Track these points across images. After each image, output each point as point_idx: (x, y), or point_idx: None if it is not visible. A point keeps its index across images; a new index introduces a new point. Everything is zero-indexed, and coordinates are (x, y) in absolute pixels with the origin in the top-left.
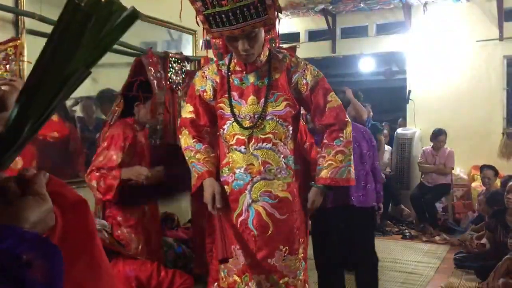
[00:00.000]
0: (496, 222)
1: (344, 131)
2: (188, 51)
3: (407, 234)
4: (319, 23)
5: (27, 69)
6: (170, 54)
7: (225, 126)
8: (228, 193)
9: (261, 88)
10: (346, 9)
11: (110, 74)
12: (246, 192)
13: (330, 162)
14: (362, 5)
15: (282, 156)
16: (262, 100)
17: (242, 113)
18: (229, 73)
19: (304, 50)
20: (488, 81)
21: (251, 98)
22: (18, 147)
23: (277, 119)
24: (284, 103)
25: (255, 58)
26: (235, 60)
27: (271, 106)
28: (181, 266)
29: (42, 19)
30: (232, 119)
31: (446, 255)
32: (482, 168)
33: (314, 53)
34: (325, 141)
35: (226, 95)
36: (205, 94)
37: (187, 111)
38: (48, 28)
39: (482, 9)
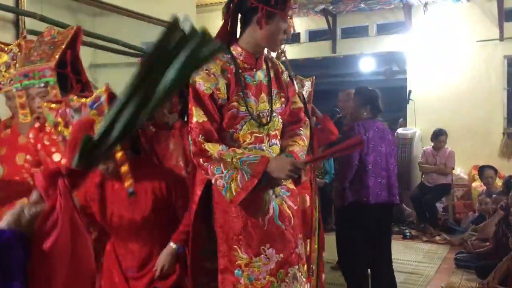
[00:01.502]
0: (497, 220)
1: (304, 127)
2: None
3: (408, 234)
4: (320, 23)
5: None
6: None
7: (238, 126)
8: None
9: (266, 86)
10: (347, 9)
11: (110, 74)
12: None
13: (295, 142)
14: (362, 5)
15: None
16: (269, 97)
17: (257, 111)
18: (240, 70)
19: (304, 50)
20: (489, 81)
21: (262, 95)
22: (105, 152)
23: (278, 116)
24: (281, 100)
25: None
26: (242, 58)
27: (274, 104)
28: None
29: (43, 19)
30: (249, 117)
31: (446, 255)
32: (483, 169)
33: (314, 53)
34: (289, 131)
35: (240, 93)
36: (218, 93)
37: (200, 114)
38: None
39: (483, 9)
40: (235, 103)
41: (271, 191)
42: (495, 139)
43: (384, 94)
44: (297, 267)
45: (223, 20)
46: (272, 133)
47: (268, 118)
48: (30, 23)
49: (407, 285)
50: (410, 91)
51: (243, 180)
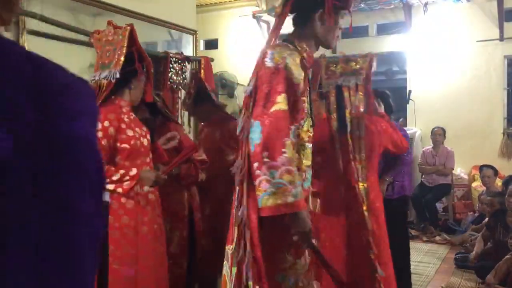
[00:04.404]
0: (496, 221)
1: None
2: (188, 51)
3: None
4: None
5: None
6: (171, 54)
7: (302, 122)
8: None
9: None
10: None
11: None
12: (311, 189)
13: None
14: (362, 5)
15: None
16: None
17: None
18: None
19: None
20: (489, 81)
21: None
22: None
23: None
24: None
25: None
26: (305, 54)
27: None
28: None
29: (43, 19)
30: (307, 115)
31: (446, 255)
32: (481, 168)
33: (315, 53)
34: None
35: (306, 89)
36: (300, 84)
37: (286, 104)
38: (48, 28)
39: (483, 9)
40: (304, 98)
41: (311, 190)
42: (495, 139)
43: None
44: (314, 269)
45: (278, 22)
46: None
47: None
48: (30, 23)
49: None
50: (410, 91)
51: (285, 200)
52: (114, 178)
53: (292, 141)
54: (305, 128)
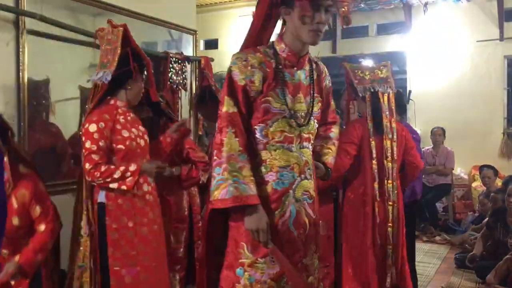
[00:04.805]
0: (496, 220)
1: (335, 126)
2: (188, 51)
3: None
4: None
5: None
6: (171, 54)
7: (269, 122)
8: (267, 194)
9: (307, 87)
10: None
11: None
12: (291, 191)
13: (329, 150)
14: (362, 5)
15: (311, 156)
16: (308, 99)
17: (292, 110)
18: (280, 66)
19: None
20: (489, 81)
21: (300, 96)
22: None
23: (314, 120)
24: (319, 104)
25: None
26: (285, 55)
27: (314, 107)
28: None
29: (43, 19)
30: (282, 114)
31: (446, 255)
32: (482, 168)
33: (314, 53)
34: (321, 133)
35: (276, 89)
36: (252, 85)
37: (230, 105)
38: (48, 28)
39: (483, 9)
40: (269, 98)
41: (291, 193)
42: (495, 139)
43: None
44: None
45: (253, 20)
46: (305, 135)
47: (306, 120)
48: (30, 23)
49: None
50: (410, 91)
51: (224, 195)
52: (116, 176)
53: (229, 140)
54: (273, 129)
